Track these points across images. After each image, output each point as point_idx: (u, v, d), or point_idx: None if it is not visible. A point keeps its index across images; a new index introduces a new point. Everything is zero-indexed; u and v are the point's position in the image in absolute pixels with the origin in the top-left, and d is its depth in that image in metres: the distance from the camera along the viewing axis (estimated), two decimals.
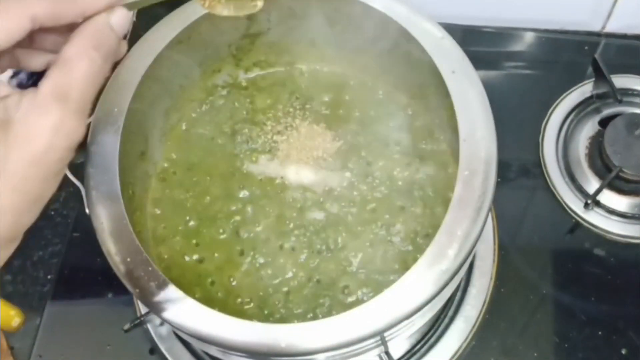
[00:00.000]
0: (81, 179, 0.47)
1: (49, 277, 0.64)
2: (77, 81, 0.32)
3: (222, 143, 0.57)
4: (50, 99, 0.31)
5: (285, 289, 0.51)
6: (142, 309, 0.59)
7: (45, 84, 0.32)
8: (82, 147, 0.47)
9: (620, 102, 0.66)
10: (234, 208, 0.54)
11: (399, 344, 0.57)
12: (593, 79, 0.69)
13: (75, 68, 0.32)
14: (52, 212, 0.67)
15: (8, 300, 0.62)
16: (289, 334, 0.40)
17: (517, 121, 0.67)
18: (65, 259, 0.64)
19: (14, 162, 0.31)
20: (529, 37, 0.75)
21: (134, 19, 0.74)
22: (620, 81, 0.68)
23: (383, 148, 0.56)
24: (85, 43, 0.33)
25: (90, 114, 0.35)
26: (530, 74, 0.73)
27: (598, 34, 0.75)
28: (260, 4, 0.45)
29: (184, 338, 0.57)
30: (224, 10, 0.44)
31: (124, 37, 0.37)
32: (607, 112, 0.68)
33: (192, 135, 0.58)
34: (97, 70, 0.33)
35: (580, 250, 0.62)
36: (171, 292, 0.41)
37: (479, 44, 0.74)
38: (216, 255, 0.52)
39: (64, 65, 0.32)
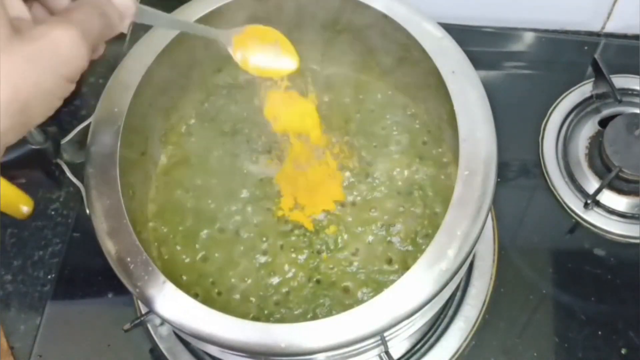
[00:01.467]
0: (81, 179, 0.47)
1: (49, 277, 0.64)
2: (83, 16, 0.33)
3: (222, 143, 0.57)
4: (60, 19, 0.32)
5: (285, 289, 0.51)
6: (142, 308, 0.59)
7: (57, 17, 0.33)
8: (82, 146, 0.47)
9: (620, 102, 0.66)
10: (234, 208, 0.54)
11: (399, 343, 0.57)
12: (593, 79, 0.69)
13: (79, 10, 0.33)
14: (52, 212, 0.67)
15: (8, 301, 0.63)
16: (289, 334, 0.40)
17: (517, 121, 0.67)
18: (65, 259, 0.64)
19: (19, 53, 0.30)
20: (529, 37, 0.75)
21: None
22: (620, 81, 0.68)
23: (383, 148, 0.56)
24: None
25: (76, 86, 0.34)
26: (530, 74, 0.73)
27: (598, 34, 0.75)
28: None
29: (184, 338, 0.57)
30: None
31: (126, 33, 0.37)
32: (606, 112, 0.68)
33: (192, 136, 0.58)
34: (98, 20, 0.34)
35: (580, 250, 0.62)
36: (171, 292, 0.41)
37: (479, 44, 0.74)
38: (216, 255, 0.52)
39: (67, 11, 0.33)
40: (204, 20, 0.52)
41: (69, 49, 0.31)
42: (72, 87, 0.33)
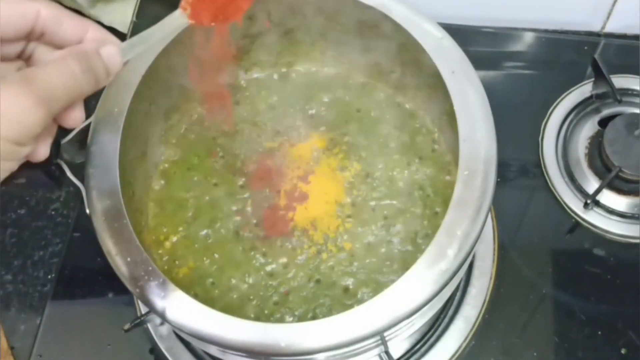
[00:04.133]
0: (81, 179, 0.47)
1: (49, 277, 0.64)
2: (49, 77, 0.32)
3: (222, 143, 0.57)
4: (19, 79, 0.31)
5: (285, 289, 0.51)
6: (143, 308, 0.59)
7: (20, 72, 0.32)
8: (83, 145, 0.47)
9: (620, 102, 0.66)
10: (234, 208, 0.54)
11: (399, 343, 0.57)
12: (593, 79, 0.69)
13: (52, 68, 0.33)
14: (53, 212, 0.67)
15: (8, 301, 0.63)
16: (289, 334, 0.40)
17: (517, 121, 0.67)
18: (65, 259, 0.64)
19: None
20: (529, 37, 0.75)
21: (135, 19, 0.75)
22: (620, 81, 0.68)
23: (383, 148, 0.56)
24: (69, 54, 0.35)
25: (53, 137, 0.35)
26: (530, 74, 0.73)
27: (598, 34, 0.75)
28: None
29: (184, 338, 0.57)
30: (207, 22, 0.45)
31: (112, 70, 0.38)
32: (606, 112, 0.68)
33: (192, 136, 0.58)
34: (71, 79, 0.34)
35: (580, 250, 0.62)
36: (171, 291, 0.41)
37: (479, 44, 0.74)
38: (216, 255, 0.52)
39: (43, 65, 0.34)
40: None
41: (18, 114, 0.30)
42: (27, 150, 0.32)
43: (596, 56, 0.67)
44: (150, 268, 0.42)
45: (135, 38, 0.40)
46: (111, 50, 0.37)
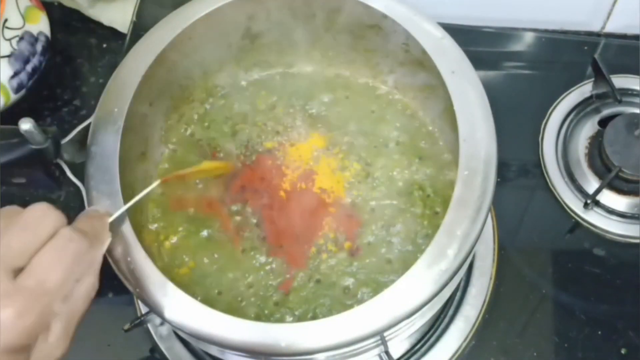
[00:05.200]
0: (81, 179, 0.47)
1: None
2: (35, 297, 0.33)
3: (222, 143, 0.57)
4: (10, 293, 0.32)
5: (285, 288, 0.51)
6: (143, 308, 0.59)
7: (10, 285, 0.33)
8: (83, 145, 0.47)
9: (620, 102, 0.66)
10: (234, 208, 0.54)
11: (399, 343, 0.57)
12: (593, 79, 0.69)
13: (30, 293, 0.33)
14: None
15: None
16: (289, 334, 0.40)
17: (517, 121, 0.68)
18: None
19: None
20: (529, 37, 0.75)
21: (135, 19, 0.75)
22: (620, 81, 0.68)
23: (383, 148, 0.56)
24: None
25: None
26: (530, 74, 0.73)
27: (598, 34, 0.75)
28: None
29: (184, 338, 0.57)
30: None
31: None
32: (606, 112, 0.68)
33: (193, 136, 0.58)
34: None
35: (579, 250, 0.62)
36: (171, 291, 0.41)
37: (479, 44, 0.74)
38: (216, 255, 0.52)
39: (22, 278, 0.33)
40: (204, 20, 0.52)
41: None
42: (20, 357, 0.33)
43: (596, 56, 0.67)
44: (150, 268, 0.42)
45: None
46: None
